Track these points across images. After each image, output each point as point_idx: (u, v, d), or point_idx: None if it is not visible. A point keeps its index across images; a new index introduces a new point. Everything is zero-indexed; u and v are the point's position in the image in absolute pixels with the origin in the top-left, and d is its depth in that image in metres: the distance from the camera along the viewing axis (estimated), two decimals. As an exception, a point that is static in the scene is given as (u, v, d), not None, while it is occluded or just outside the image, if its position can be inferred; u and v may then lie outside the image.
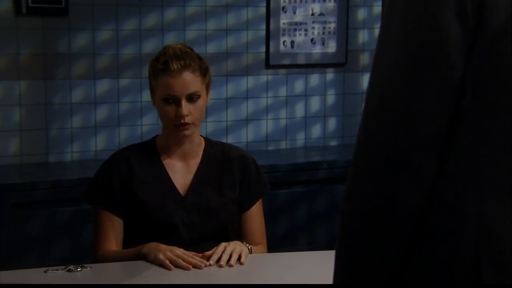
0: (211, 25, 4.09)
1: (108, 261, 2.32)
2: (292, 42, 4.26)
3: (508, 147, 1.05)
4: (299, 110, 4.34)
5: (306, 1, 4.25)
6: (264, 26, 4.20)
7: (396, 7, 1.10)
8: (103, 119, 3.91)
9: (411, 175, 1.07)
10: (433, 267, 1.08)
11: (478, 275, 1.05)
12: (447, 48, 1.04)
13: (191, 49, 2.42)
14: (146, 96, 2.72)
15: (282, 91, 4.29)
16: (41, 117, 3.78)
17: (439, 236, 1.08)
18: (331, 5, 4.31)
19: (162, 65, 2.34)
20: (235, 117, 4.19)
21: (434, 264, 1.08)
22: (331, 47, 4.34)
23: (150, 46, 3.91)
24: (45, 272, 2.16)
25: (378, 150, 1.08)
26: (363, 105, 1.14)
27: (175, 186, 2.43)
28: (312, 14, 4.28)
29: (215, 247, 2.29)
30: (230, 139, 4.07)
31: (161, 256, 2.21)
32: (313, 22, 4.29)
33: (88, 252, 2.60)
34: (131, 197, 2.39)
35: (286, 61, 4.27)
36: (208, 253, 2.27)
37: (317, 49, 4.32)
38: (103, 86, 3.89)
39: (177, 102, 2.33)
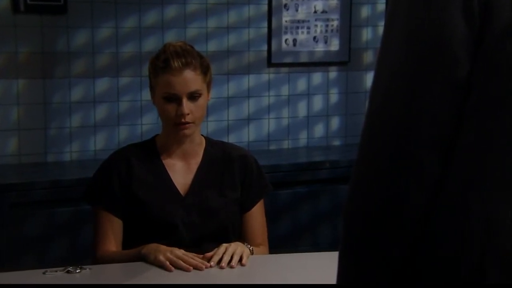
0: (212, 22, 4.09)
1: (108, 262, 2.32)
2: (295, 40, 4.25)
3: None
4: (302, 109, 4.34)
5: (308, -1, 4.26)
6: (266, 24, 4.20)
7: (400, 4, 1.10)
8: (102, 118, 3.92)
9: (414, 174, 1.06)
10: (437, 267, 1.08)
11: (483, 275, 1.05)
12: (452, 46, 1.04)
13: (192, 47, 2.42)
14: (146, 95, 2.72)
15: (284, 90, 4.29)
16: (40, 116, 3.79)
17: (443, 236, 1.08)
18: (334, 2, 4.30)
19: (163, 63, 2.33)
20: (236, 116, 4.19)
21: (438, 264, 1.08)
22: (334, 45, 4.34)
23: (150, 44, 3.91)
24: (44, 273, 2.16)
25: (381, 149, 1.08)
26: (366, 104, 1.14)
27: (175, 186, 2.42)
28: (315, 12, 4.27)
29: (216, 248, 2.28)
30: (232, 139, 4.07)
31: (161, 257, 2.21)
32: (315, 20, 4.28)
33: (88, 253, 2.59)
34: (130, 197, 2.38)
35: (288, 60, 4.27)
36: (209, 254, 2.27)
37: (320, 47, 4.31)
38: (102, 84, 3.90)
39: (178, 100, 2.32)
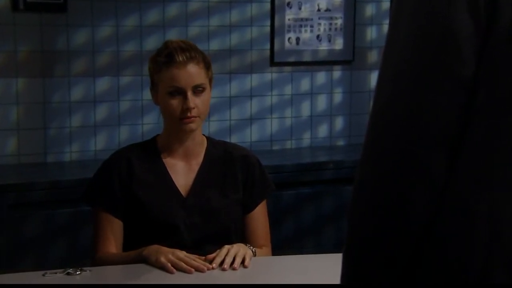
0: (214, 21, 4.09)
1: (108, 264, 2.33)
2: (298, 39, 4.25)
3: None
4: (305, 109, 4.34)
5: (312, -3, 4.27)
6: (268, 23, 4.20)
7: (405, 2, 1.10)
8: (103, 118, 3.92)
9: (419, 175, 1.06)
10: (443, 268, 1.08)
11: (489, 276, 1.05)
12: (458, 44, 1.04)
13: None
14: (147, 94, 2.72)
15: (287, 89, 4.29)
16: (39, 116, 3.79)
17: (449, 236, 1.08)
18: (338, 0, 4.30)
19: (166, 57, 2.34)
20: (238, 116, 4.19)
21: (444, 265, 1.08)
22: (338, 44, 4.33)
23: (151, 43, 3.91)
24: (44, 275, 2.16)
25: (386, 149, 1.08)
26: (371, 103, 1.15)
27: (176, 187, 2.41)
28: (318, 10, 4.27)
29: (218, 250, 2.28)
30: (234, 139, 4.08)
31: (162, 259, 2.20)
32: (319, 18, 4.27)
33: (87, 254, 2.60)
34: (131, 197, 2.38)
35: (291, 59, 4.27)
36: (211, 256, 2.27)
37: (324, 46, 4.31)
38: (103, 84, 3.90)
39: (183, 94, 2.33)
